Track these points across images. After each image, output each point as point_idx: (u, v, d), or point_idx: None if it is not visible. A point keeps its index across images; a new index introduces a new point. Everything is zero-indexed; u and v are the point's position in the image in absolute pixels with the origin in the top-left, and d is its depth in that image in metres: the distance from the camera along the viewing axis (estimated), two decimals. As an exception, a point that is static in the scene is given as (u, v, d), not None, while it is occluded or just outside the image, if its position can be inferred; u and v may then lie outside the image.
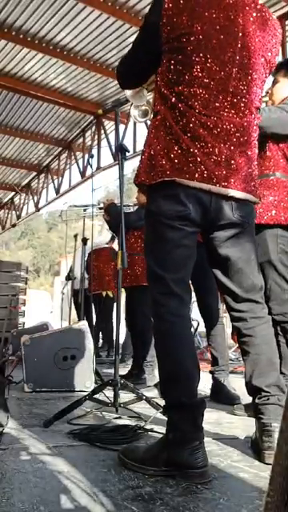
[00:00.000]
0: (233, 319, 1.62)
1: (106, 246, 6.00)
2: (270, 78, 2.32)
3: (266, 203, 2.24)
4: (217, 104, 1.46)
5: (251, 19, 1.50)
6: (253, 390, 1.54)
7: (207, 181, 1.44)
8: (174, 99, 1.46)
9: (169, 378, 1.44)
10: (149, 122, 1.74)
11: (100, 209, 4.21)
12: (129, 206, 4.12)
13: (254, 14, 1.51)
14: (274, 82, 2.43)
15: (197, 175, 1.43)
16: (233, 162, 1.48)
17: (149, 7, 1.56)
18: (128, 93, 1.94)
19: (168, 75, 1.48)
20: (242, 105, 1.50)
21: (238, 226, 1.53)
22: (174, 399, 1.40)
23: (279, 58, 1.73)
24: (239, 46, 1.47)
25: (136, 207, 3.82)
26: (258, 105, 1.57)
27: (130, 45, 1.65)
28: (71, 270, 6.37)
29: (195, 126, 1.44)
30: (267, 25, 1.54)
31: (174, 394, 1.41)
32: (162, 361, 1.47)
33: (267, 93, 2.44)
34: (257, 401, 1.52)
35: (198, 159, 1.43)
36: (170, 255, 1.47)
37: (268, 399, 1.49)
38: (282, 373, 1.80)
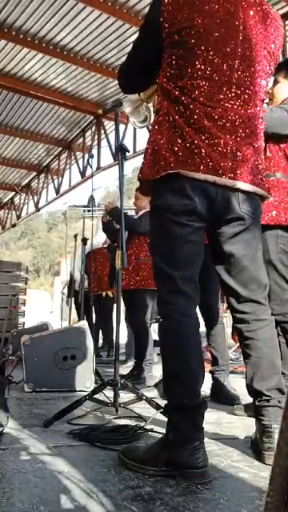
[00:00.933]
0: (235, 321, 1.59)
1: (104, 246, 5.98)
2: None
3: (267, 204, 2.23)
4: (221, 96, 1.44)
5: (251, 13, 1.50)
6: (254, 392, 1.53)
7: (212, 172, 1.42)
8: (177, 93, 1.45)
9: (173, 376, 1.42)
10: (150, 127, 1.73)
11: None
12: (131, 209, 4.12)
13: (254, 8, 1.51)
14: (275, 83, 2.43)
15: (202, 167, 1.41)
16: (239, 153, 1.46)
17: (148, 7, 1.56)
18: (127, 110, 1.94)
19: (170, 71, 1.47)
20: (247, 96, 1.49)
21: (244, 222, 1.50)
22: (176, 398, 1.39)
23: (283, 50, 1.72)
24: (240, 38, 1.47)
25: (140, 212, 3.81)
26: (262, 97, 1.56)
27: (130, 45, 1.65)
28: (71, 275, 6.37)
29: (199, 118, 1.42)
30: (268, 18, 1.54)
31: (176, 392, 1.39)
32: (167, 359, 1.45)
33: (267, 93, 2.44)
34: (257, 403, 1.51)
35: (203, 151, 1.41)
36: (179, 252, 1.44)
37: (268, 402, 1.48)
38: (282, 373, 1.80)
